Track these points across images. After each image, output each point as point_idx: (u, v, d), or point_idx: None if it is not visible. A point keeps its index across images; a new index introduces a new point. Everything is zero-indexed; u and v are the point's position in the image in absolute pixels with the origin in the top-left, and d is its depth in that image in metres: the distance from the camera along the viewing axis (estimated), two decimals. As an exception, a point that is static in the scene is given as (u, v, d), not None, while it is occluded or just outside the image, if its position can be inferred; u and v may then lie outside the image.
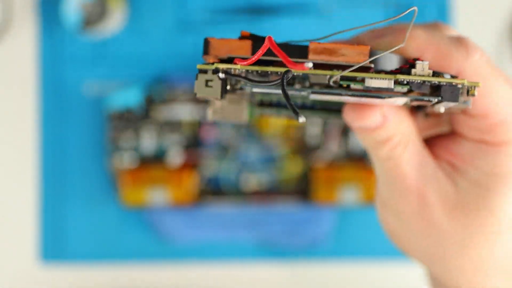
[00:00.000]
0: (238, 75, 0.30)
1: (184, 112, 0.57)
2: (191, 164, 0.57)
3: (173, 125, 0.57)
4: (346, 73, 0.29)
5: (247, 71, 0.30)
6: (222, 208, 0.58)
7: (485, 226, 0.34)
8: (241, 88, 0.32)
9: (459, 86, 0.30)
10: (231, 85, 0.32)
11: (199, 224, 0.58)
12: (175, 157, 0.57)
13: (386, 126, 0.33)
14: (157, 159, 0.57)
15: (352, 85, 0.30)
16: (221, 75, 0.30)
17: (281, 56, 0.29)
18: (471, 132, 0.34)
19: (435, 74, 0.31)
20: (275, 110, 0.38)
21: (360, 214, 0.58)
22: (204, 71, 0.30)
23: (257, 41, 0.31)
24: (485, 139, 0.33)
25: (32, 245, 0.59)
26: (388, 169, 0.34)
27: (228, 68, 0.30)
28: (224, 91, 0.30)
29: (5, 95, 0.58)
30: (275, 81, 0.29)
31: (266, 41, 0.29)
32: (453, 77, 0.31)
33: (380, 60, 0.32)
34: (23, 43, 0.58)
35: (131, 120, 0.57)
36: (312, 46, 0.30)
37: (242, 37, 0.31)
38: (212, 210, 0.58)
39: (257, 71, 0.30)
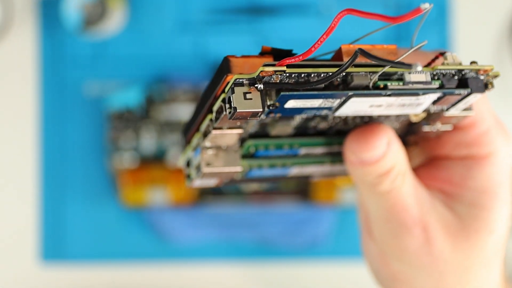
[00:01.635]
0: (282, 82, 0.27)
1: (184, 112, 0.57)
2: (191, 164, 0.57)
3: (173, 125, 0.57)
4: (387, 68, 0.28)
5: (288, 76, 0.27)
6: (222, 208, 0.58)
7: (485, 248, 0.33)
8: (273, 105, 0.28)
9: (484, 75, 0.29)
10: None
11: (199, 224, 0.58)
12: (175, 157, 0.57)
13: (387, 155, 0.32)
14: (157, 159, 0.57)
15: (390, 84, 0.28)
16: (260, 86, 0.27)
17: (375, 17, 0.26)
18: (457, 149, 0.34)
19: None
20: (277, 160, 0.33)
21: (360, 214, 0.58)
22: (240, 84, 0.27)
23: (279, 55, 0.28)
24: (471, 154, 0.33)
25: (32, 245, 0.59)
26: (389, 204, 0.33)
27: (271, 73, 0.26)
28: (265, 103, 0.27)
29: (5, 95, 0.59)
30: (346, 63, 0.26)
31: (340, 13, 0.25)
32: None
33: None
34: (24, 43, 0.59)
35: (131, 120, 0.57)
36: (344, 48, 0.28)
37: (263, 53, 0.29)
38: (212, 210, 0.58)
39: (298, 74, 0.27)
